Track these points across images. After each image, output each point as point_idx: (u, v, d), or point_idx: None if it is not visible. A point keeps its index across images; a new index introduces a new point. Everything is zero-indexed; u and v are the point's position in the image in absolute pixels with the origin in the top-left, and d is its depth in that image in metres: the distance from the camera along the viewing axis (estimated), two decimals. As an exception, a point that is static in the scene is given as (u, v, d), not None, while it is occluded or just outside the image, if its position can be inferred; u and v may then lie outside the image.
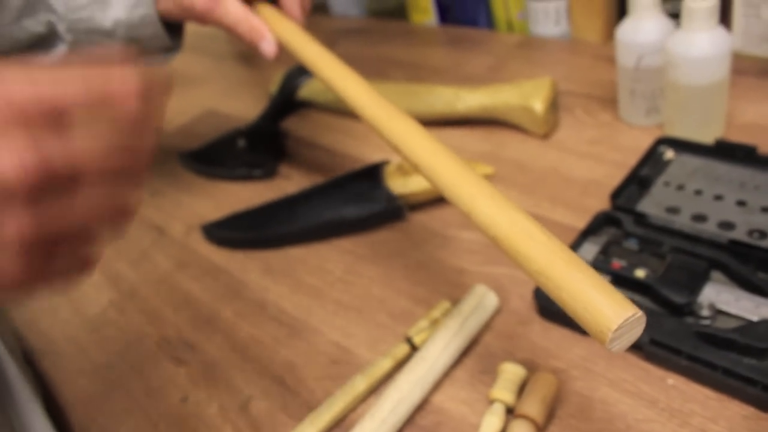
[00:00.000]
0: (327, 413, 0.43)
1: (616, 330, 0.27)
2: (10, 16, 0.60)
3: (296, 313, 0.53)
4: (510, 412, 0.41)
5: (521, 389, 0.41)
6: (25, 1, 0.60)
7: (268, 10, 0.58)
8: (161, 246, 0.66)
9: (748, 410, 0.38)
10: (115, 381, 0.53)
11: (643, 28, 0.58)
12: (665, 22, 0.58)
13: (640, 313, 0.28)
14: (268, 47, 0.57)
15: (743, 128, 0.59)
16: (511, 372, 0.41)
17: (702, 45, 0.53)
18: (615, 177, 0.56)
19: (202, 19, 0.59)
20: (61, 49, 0.63)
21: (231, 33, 0.58)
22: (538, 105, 0.62)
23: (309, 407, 0.45)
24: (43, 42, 0.62)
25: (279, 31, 0.56)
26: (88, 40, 0.62)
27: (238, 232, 0.61)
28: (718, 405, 0.39)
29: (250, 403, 0.47)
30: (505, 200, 0.34)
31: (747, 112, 0.61)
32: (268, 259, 0.59)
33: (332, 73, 0.51)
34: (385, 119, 0.43)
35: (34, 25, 0.61)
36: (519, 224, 0.33)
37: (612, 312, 0.28)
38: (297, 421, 0.45)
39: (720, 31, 0.54)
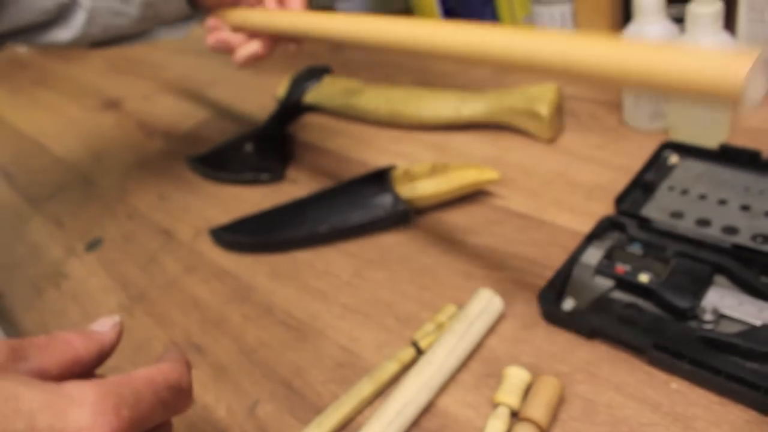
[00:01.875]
0: (334, 416, 0.44)
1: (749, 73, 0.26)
2: None
3: (303, 317, 0.54)
4: (514, 415, 0.41)
5: (526, 393, 0.42)
6: None
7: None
8: (169, 250, 0.67)
9: (751, 414, 0.38)
10: None
11: (647, 32, 0.58)
12: (670, 27, 0.59)
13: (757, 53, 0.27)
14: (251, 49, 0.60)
15: (748, 133, 0.59)
16: (515, 376, 0.42)
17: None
18: (620, 182, 0.56)
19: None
20: (80, 18, 0.63)
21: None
22: (544, 109, 0.62)
23: (316, 410, 0.46)
24: (64, 11, 0.63)
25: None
26: (107, 6, 0.63)
27: (246, 236, 0.62)
28: (721, 409, 0.39)
29: (258, 406, 0.48)
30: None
31: (752, 117, 0.61)
32: (276, 263, 0.60)
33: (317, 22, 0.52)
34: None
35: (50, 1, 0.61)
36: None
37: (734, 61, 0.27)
38: (304, 423, 0.45)
39: (724, 36, 0.54)
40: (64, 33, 0.63)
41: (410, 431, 0.43)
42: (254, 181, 0.71)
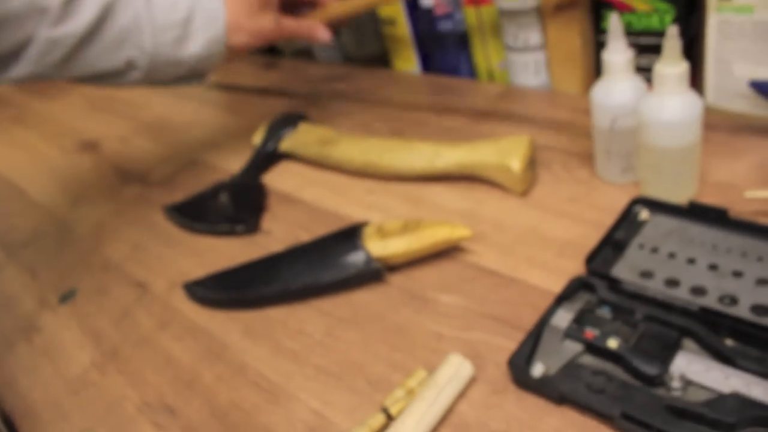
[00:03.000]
0: (304, 487, 0.43)
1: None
2: (99, 49, 0.68)
3: (275, 378, 0.54)
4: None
5: (495, 464, 0.42)
6: (119, 36, 0.68)
7: (312, 13, 0.82)
8: (144, 304, 0.67)
9: (718, 486, 0.39)
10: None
11: (616, 90, 0.59)
12: (638, 84, 0.60)
13: None
14: (322, 34, 0.80)
15: (716, 187, 0.60)
16: (485, 447, 0.42)
17: (673, 109, 0.55)
18: (591, 237, 0.57)
19: (272, 41, 0.79)
20: (135, 77, 0.72)
21: (294, 38, 0.81)
22: (516, 164, 0.63)
23: (286, 479, 0.45)
24: (120, 72, 0.71)
25: (321, 17, 0.81)
26: (161, 69, 0.73)
27: (220, 291, 0.62)
28: (689, 480, 0.39)
29: (229, 472, 0.48)
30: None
31: (720, 170, 0.62)
32: (249, 320, 0.60)
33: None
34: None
35: (119, 58, 0.70)
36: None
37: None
38: (274, 493, 0.45)
39: (691, 96, 0.55)
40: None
41: (380, 504, 0.42)
42: (229, 233, 0.71)
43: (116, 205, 0.87)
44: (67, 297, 0.72)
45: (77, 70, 0.69)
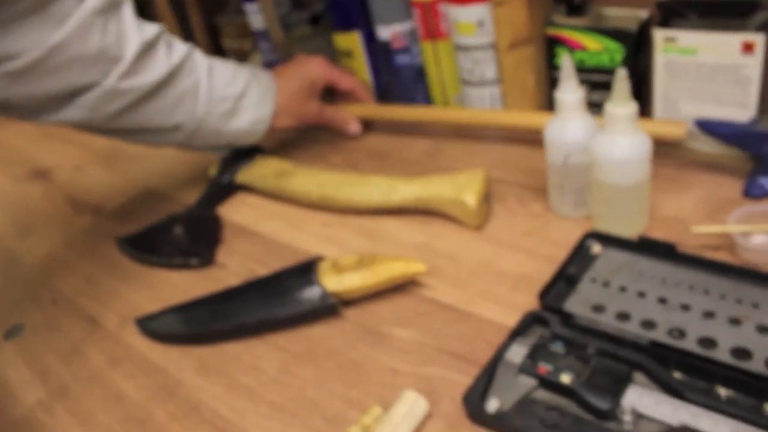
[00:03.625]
0: None
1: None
2: (157, 108, 0.70)
3: (230, 416, 0.53)
4: None
5: (451, 503, 0.42)
6: (178, 98, 0.70)
7: (347, 106, 0.91)
8: (94, 339, 0.65)
9: None
10: None
11: (568, 127, 0.61)
12: (590, 122, 0.61)
13: None
14: (354, 127, 0.90)
15: (665, 221, 0.62)
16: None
17: (623, 148, 0.56)
18: (544, 271, 0.57)
19: (312, 125, 0.87)
20: (177, 138, 0.74)
21: (328, 126, 0.89)
22: (471, 199, 0.64)
23: None
24: (166, 131, 0.73)
25: (358, 112, 0.90)
26: (203, 137, 0.76)
27: (173, 327, 0.61)
28: None
29: None
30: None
31: (668, 204, 0.64)
32: (203, 356, 0.59)
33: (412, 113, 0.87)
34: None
35: (171, 119, 0.71)
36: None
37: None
38: None
39: (640, 135, 0.56)
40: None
41: None
42: (184, 266, 0.70)
43: (68, 237, 0.86)
44: (12, 333, 0.70)
45: (128, 123, 0.69)
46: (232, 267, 0.70)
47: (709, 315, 0.49)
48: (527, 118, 0.76)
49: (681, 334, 0.48)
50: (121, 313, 0.67)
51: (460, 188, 0.65)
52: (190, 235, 0.73)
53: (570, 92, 0.60)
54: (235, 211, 0.80)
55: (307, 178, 0.75)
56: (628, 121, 0.55)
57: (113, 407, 0.57)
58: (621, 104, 0.55)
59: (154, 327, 0.62)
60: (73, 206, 0.93)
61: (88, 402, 0.58)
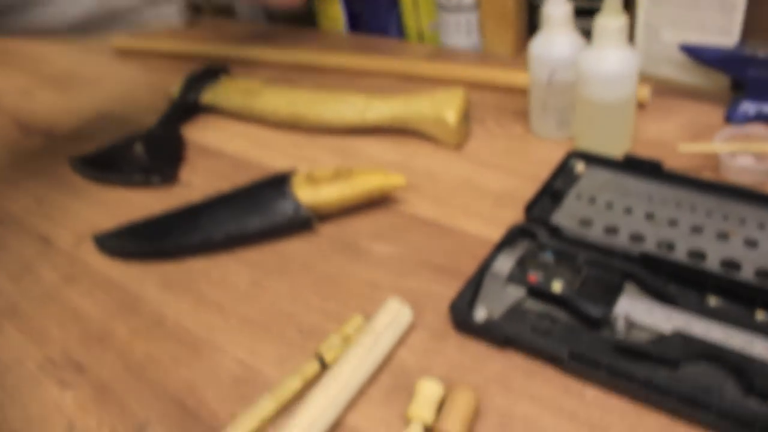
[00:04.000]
0: (231, 439, 0.40)
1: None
2: None
3: (197, 330, 0.50)
4: (429, 431, 0.39)
5: (440, 406, 0.39)
6: None
7: None
8: (47, 258, 0.61)
9: (664, 420, 0.38)
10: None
11: (555, 43, 0.58)
12: (577, 38, 0.59)
13: None
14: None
15: (648, 144, 0.60)
16: (428, 389, 0.40)
17: (611, 62, 0.54)
18: (527, 189, 0.55)
19: None
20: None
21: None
22: (451, 116, 0.61)
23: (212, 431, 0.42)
24: None
25: None
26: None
27: (135, 242, 0.57)
28: (636, 416, 0.38)
29: (147, 429, 0.43)
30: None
31: (650, 130, 0.62)
32: (168, 272, 0.55)
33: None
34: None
35: None
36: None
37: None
38: (198, 447, 0.41)
39: (628, 50, 0.54)
40: None
41: (316, 452, 0.39)
42: (144, 184, 0.66)
43: (16, 158, 0.80)
44: (-43, 253, 0.65)
45: None
46: (197, 185, 0.66)
47: (696, 230, 0.48)
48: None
49: (670, 247, 0.47)
50: (75, 231, 0.63)
51: (439, 105, 0.62)
52: (151, 154, 0.69)
53: (557, 5, 0.57)
54: (198, 132, 0.76)
55: (276, 96, 0.71)
56: (618, 34, 0.53)
57: (69, 324, 0.53)
58: (612, 17, 0.53)
59: (113, 244, 0.58)
60: (21, 129, 0.87)
61: (41, 320, 0.54)
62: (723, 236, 0.47)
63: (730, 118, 0.62)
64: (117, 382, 0.47)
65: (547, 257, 0.47)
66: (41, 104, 0.93)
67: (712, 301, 0.43)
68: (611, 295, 0.44)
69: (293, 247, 0.55)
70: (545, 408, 0.40)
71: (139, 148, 0.69)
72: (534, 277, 0.46)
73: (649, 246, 0.47)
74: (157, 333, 0.50)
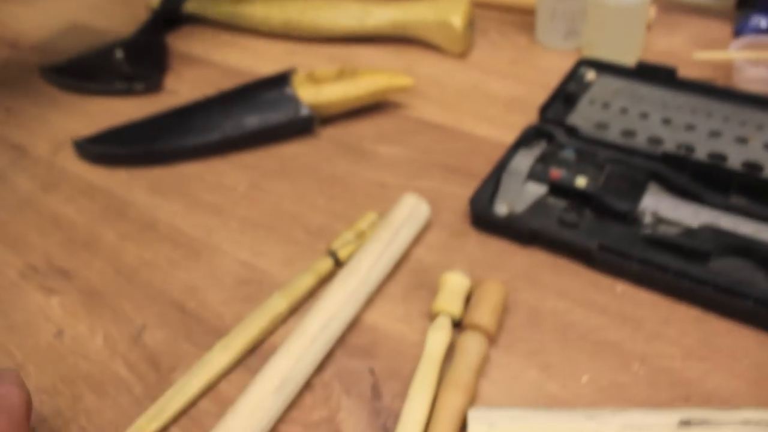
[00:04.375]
0: (242, 337, 0.37)
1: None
2: None
3: (194, 233, 0.46)
4: (456, 326, 0.37)
5: (467, 301, 0.37)
6: None
7: None
8: (22, 167, 0.56)
9: (697, 312, 0.37)
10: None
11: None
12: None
13: None
14: None
15: (658, 55, 0.58)
16: (454, 282, 0.37)
17: (628, -41, 0.51)
18: (537, 96, 0.53)
19: None
20: None
21: None
22: (457, 20, 0.58)
23: (217, 333, 0.39)
24: None
25: None
26: None
27: (120, 146, 0.53)
28: (668, 309, 0.37)
29: (144, 332, 0.40)
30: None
31: (659, 42, 0.60)
32: (157, 177, 0.52)
33: None
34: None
35: None
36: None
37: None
38: (204, 349, 0.38)
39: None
40: None
41: (336, 349, 0.37)
42: (127, 92, 0.62)
43: (-20, 71, 0.74)
44: None
45: None
46: (184, 93, 0.62)
47: (715, 134, 0.46)
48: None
49: (689, 150, 0.45)
50: (53, 140, 0.59)
51: (444, 10, 0.59)
52: (133, 60, 0.64)
53: None
54: (183, 42, 0.71)
55: (268, 2, 0.67)
56: None
57: (50, 231, 0.49)
58: None
59: (95, 149, 0.54)
60: (-17, 43, 0.81)
61: (18, 227, 0.50)
62: (742, 140, 0.46)
63: (740, 32, 0.60)
64: (107, 287, 0.44)
65: (568, 154, 0.45)
66: (7, 16, 0.87)
67: (736, 199, 0.42)
68: (636, 191, 0.42)
69: (294, 150, 0.52)
70: (574, 302, 0.38)
71: (119, 55, 0.64)
72: (556, 173, 0.43)
73: (669, 148, 0.46)
74: (149, 236, 0.47)
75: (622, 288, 0.38)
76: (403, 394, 0.34)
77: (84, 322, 0.42)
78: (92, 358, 0.39)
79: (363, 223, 0.42)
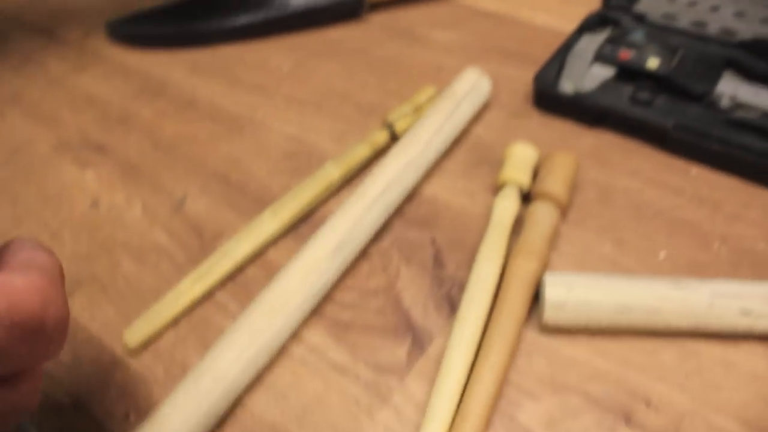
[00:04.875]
0: (292, 204, 0.35)
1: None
2: None
3: (236, 110, 0.44)
4: (524, 200, 0.34)
5: (534, 175, 0.35)
6: None
7: None
8: (51, 50, 0.54)
9: (779, 198, 0.34)
10: (-3, 188, 0.42)
11: None
12: None
13: None
14: None
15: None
16: (521, 153, 0.35)
17: None
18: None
19: None
20: None
21: None
22: None
23: (265, 203, 0.37)
24: None
25: None
26: None
27: (156, 27, 0.50)
28: (747, 193, 0.34)
29: (185, 202, 0.38)
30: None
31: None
32: (195, 58, 0.49)
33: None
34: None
35: None
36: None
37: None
38: (250, 218, 0.36)
39: None
40: None
41: (394, 220, 0.35)
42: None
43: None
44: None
45: None
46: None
47: (792, 28, 0.43)
48: None
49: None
50: (84, 23, 0.56)
51: None
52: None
53: None
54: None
55: None
56: None
57: (83, 108, 0.47)
58: None
59: (129, 29, 0.51)
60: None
61: (50, 105, 0.48)
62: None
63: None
64: (145, 160, 0.42)
65: (638, 37, 0.42)
66: None
67: (819, 92, 0.39)
68: (712, 74, 0.39)
69: (341, 34, 0.49)
70: (647, 183, 0.35)
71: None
72: (626, 54, 0.40)
73: (745, 37, 0.43)
74: (189, 114, 0.44)
75: (696, 171, 0.36)
76: (467, 265, 0.32)
77: (121, 193, 0.40)
78: (130, 227, 0.37)
79: (421, 97, 0.40)
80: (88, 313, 0.33)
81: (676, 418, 0.26)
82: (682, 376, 0.27)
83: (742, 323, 0.27)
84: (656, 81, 0.39)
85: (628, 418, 0.26)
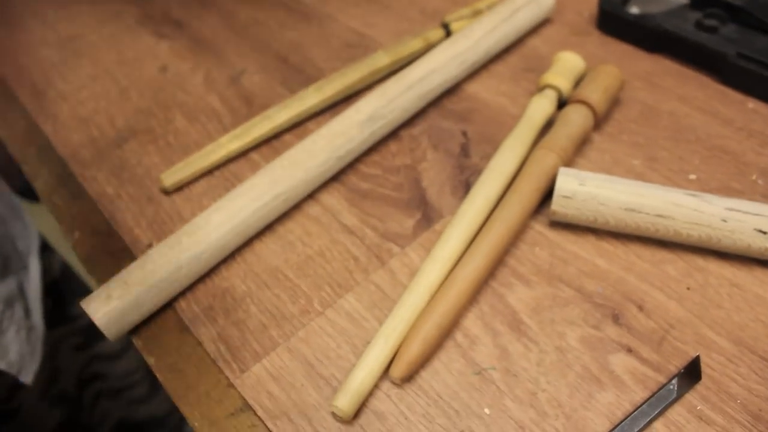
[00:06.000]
0: (337, 82, 0.36)
1: None
2: None
3: (309, 1, 0.45)
4: (563, 104, 0.34)
5: (578, 82, 0.35)
6: None
7: None
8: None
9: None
10: (81, 50, 0.45)
11: None
12: None
13: None
14: None
15: None
16: (568, 60, 0.34)
17: None
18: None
19: None
20: None
21: None
22: None
23: (314, 83, 0.38)
24: None
25: None
26: None
27: None
28: (803, 135, 0.33)
29: (243, 75, 0.40)
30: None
31: None
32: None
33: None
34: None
35: None
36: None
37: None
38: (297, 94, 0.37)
39: None
40: None
41: (430, 111, 0.35)
42: None
43: None
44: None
45: None
46: None
47: None
48: None
49: None
50: None
51: None
52: None
53: None
54: None
55: None
56: None
57: (172, -12, 0.49)
58: None
59: None
60: None
61: (144, -20, 0.50)
62: None
63: None
64: (216, 37, 0.44)
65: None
66: None
67: None
68: (794, 17, 0.37)
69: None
70: (697, 109, 0.34)
71: None
72: (703, -16, 0.39)
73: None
74: (265, 1, 0.46)
75: (754, 105, 0.34)
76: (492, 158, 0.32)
77: (188, 62, 0.42)
78: (190, 91, 0.40)
79: (482, 3, 0.40)
80: (136, 158, 0.36)
81: (665, 326, 0.26)
82: (683, 288, 0.27)
83: (756, 243, 0.26)
84: (729, 11, 0.38)
85: (616, 318, 0.26)
